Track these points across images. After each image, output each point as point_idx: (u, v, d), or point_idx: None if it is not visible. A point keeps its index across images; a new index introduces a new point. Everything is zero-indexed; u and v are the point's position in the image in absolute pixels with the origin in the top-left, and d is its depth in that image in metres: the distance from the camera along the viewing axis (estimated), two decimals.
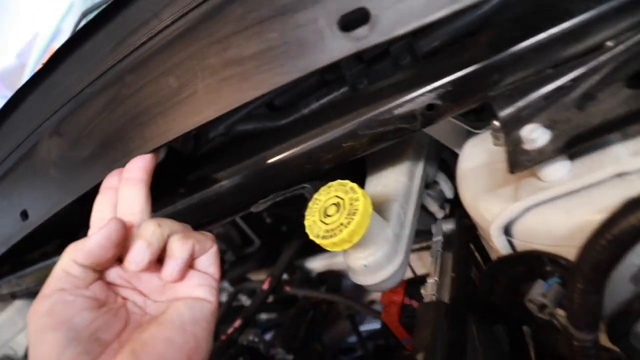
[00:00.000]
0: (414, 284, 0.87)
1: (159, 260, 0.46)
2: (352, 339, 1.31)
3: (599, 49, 0.42)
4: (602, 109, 0.41)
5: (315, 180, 0.60)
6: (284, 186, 0.62)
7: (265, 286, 1.01)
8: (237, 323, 0.94)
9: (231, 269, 1.36)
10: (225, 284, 1.45)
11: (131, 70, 0.57)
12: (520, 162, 0.44)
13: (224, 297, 1.41)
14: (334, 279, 1.31)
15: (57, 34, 2.06)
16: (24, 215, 0.78)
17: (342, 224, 0.47)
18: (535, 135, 0.43)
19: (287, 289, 1.08)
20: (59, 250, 0.81)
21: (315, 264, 1.31)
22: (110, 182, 0.52)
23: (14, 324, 1.53)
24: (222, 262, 1.50)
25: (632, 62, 0.40)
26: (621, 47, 0.40)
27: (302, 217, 0.52)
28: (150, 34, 0.54)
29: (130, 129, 0.57)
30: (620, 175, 0.42)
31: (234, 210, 0.67)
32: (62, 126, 0.68)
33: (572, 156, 0.47)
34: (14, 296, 1.37)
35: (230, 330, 0.92)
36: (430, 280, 0.62)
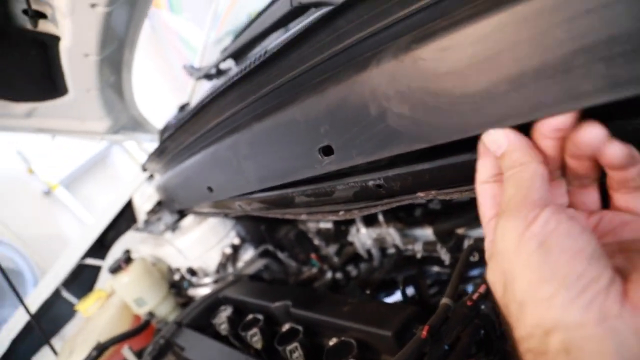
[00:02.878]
0: None
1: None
2: None
3: None
4: None
5: None
6: None
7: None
8: (482, 288, 0.79)
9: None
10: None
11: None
12: None
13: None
14: None
15: None
16: (210, 189, 1.02)
17: None
18: None
19: None
20: None
21: None
22: None
23: (207, 240, 1.61)
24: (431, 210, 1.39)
25: None
26: None
27: None
28: None
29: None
30: None
31: None
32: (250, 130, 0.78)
33: None
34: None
35: (475, 295, 0.77)
36: None
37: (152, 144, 1.98)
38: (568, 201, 0.43)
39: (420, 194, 0.60)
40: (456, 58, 0.42)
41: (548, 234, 0.34)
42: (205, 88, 1.83)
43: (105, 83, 1.44)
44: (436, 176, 0.55)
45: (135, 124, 1.89)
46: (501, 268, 0.37)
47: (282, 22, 0.86)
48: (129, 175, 3.53)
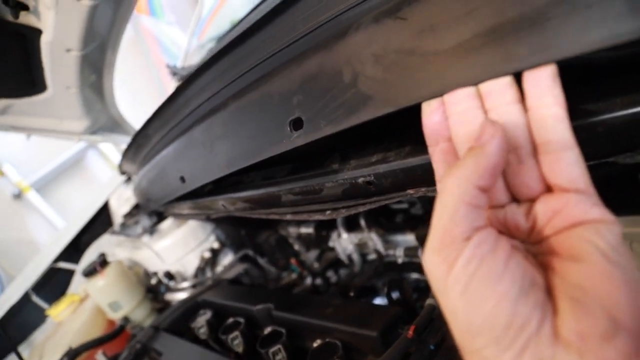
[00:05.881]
0: None
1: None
2: None
3: None
4: None
5: None
6: None
7: None
8: None
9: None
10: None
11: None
12: None
13: None
14: None
15: None
16: (182, 179, 1.01)
17: None
18: None
19: None
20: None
21: None
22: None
23: (186, 243, 1.58)
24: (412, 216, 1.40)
25: None
26: None
27: None
28: None
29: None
30: None
31: None
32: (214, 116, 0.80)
33: None
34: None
35: None
36: None
37: None
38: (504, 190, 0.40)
39: (410, 191, 0.60)
40: (436, 14, 0.42)
41: (469, 278, 0.32)
42: None
43: (85, 81, 1.41)
44: (428, 172, 0.55)
45: (114, 125, 1.85)
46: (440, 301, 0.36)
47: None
48: (104, 179, 3.46)
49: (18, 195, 3.96)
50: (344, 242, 1.49)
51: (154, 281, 1.64)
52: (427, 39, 0.43)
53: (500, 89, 0.38)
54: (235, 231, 1.68)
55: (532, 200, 0.38)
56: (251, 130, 0.70)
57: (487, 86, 0.39)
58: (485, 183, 0.35)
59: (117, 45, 1.43)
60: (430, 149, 0.45)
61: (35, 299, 1.90)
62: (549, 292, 0.32)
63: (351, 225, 1.47)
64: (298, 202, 0.79)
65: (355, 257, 1.50)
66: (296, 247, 1.67)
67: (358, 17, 0.52)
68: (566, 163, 0.35)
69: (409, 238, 1.35)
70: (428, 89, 0.43)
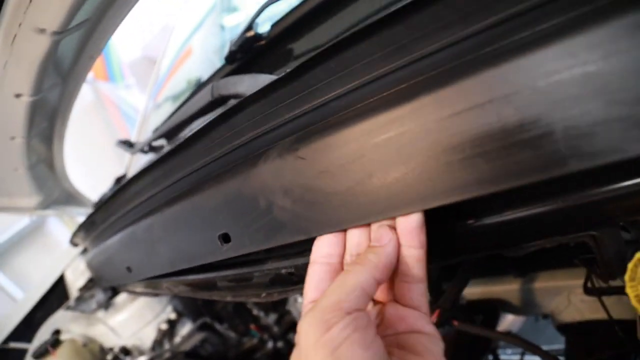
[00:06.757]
0: None
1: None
2: None
3: None
4: None
5: None
6: None
7: (434, 319, 0.87)
8: None
9: None
10: None
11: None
12: None
13: None
14: (491, 309, 1.16)
15: (195, 32, 2.05)
16: (129, 269, 1.03)
17: None
18: None
19: (455, 324, 0.93)
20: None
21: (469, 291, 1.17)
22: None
23: (142, 316, 1.57)
24: None
25: None
26: None
27: None
28: None
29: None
30: None
31: None
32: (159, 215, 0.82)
33: None
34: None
35: None
36: None
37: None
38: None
39: None
40: (329, 158, 0.48)
41: (341, 341, 0.38)
42: (143, 160, 1.83)
43: (35, 160, 1.42)
44: None
45: (68, 198, 1.84)
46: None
47: (205, 111, 0.91)
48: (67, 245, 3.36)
49: None
50: (299, 306, 1.50)
51: (109, 357, 1.60)
52: (324, 179, 0.48)
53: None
54: (192, 300, 1.67)
55: (382, 303, 0.48)
56: (186, 237, 0.74)
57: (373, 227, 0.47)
58: (382, 277, 0.44)
59: (67, 116, 1.43)
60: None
61: None
62: None
63: None
64: (233, 287, 0.81)
65: None
66: (255, 312, 1.67)
67: (265, 148, 0.57)
68: (416, 293, 0.46)
69: None
70: (332, 223, 0.49)
